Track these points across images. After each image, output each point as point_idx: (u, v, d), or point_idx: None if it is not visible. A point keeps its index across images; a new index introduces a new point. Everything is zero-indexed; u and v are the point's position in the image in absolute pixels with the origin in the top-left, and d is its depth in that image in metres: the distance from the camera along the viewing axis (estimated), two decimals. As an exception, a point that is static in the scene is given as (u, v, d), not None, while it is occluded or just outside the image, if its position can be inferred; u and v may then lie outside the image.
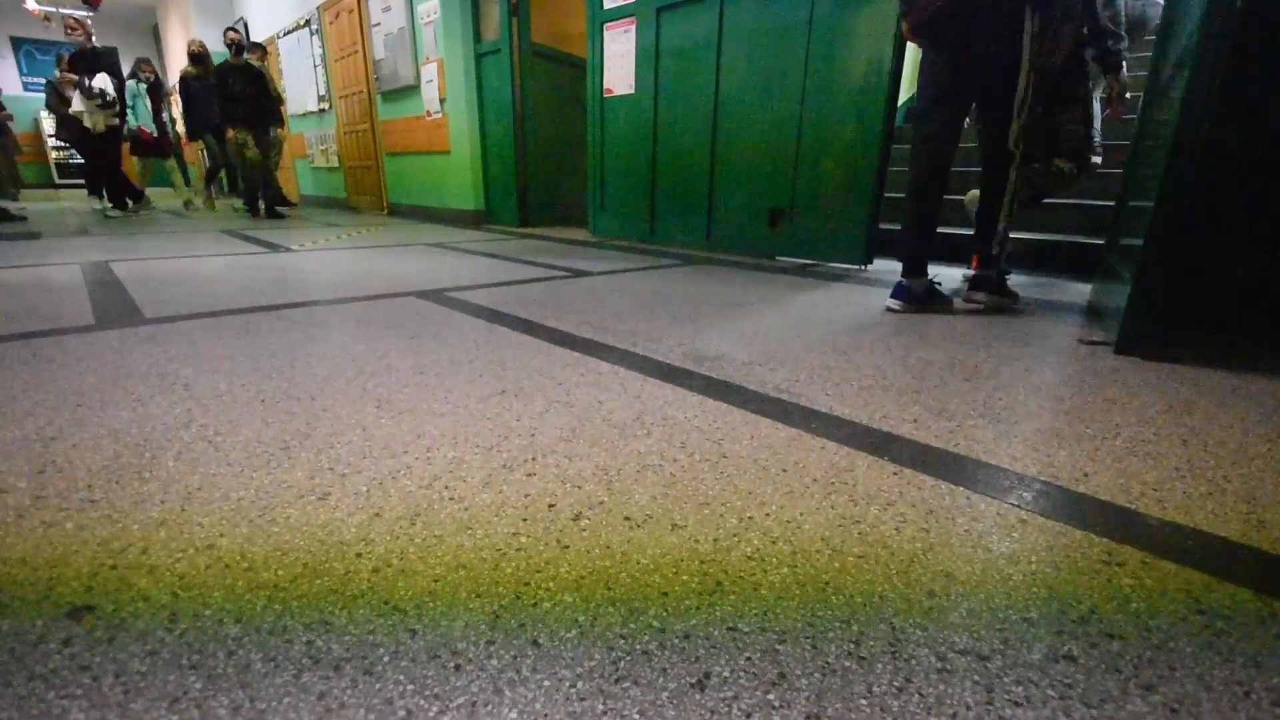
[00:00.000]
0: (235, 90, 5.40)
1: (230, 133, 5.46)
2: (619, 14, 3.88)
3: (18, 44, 12.57)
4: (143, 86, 6.28)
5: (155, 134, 6.42)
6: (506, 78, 4.85)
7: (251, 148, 5.49)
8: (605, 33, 4.01)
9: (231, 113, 5.43)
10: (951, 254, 3.22)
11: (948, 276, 2.60)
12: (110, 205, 5.66)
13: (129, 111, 6.06)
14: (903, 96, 3.53)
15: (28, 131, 12.75)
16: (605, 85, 4.11)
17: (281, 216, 5.71)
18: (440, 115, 5.41)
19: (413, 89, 5.64)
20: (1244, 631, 0.62)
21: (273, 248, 3.59)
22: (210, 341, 1.59)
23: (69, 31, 5.07)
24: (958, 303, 2.19)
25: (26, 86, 12.74)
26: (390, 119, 6.13)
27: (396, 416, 1.13)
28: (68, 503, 0.82)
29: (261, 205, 5.92)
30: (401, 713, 0.51)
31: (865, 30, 2.81)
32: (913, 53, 2.94)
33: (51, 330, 1.67)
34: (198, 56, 6.10)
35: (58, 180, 12.92)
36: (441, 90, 5.29)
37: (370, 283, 2.48)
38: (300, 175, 8.47)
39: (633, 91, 3.95)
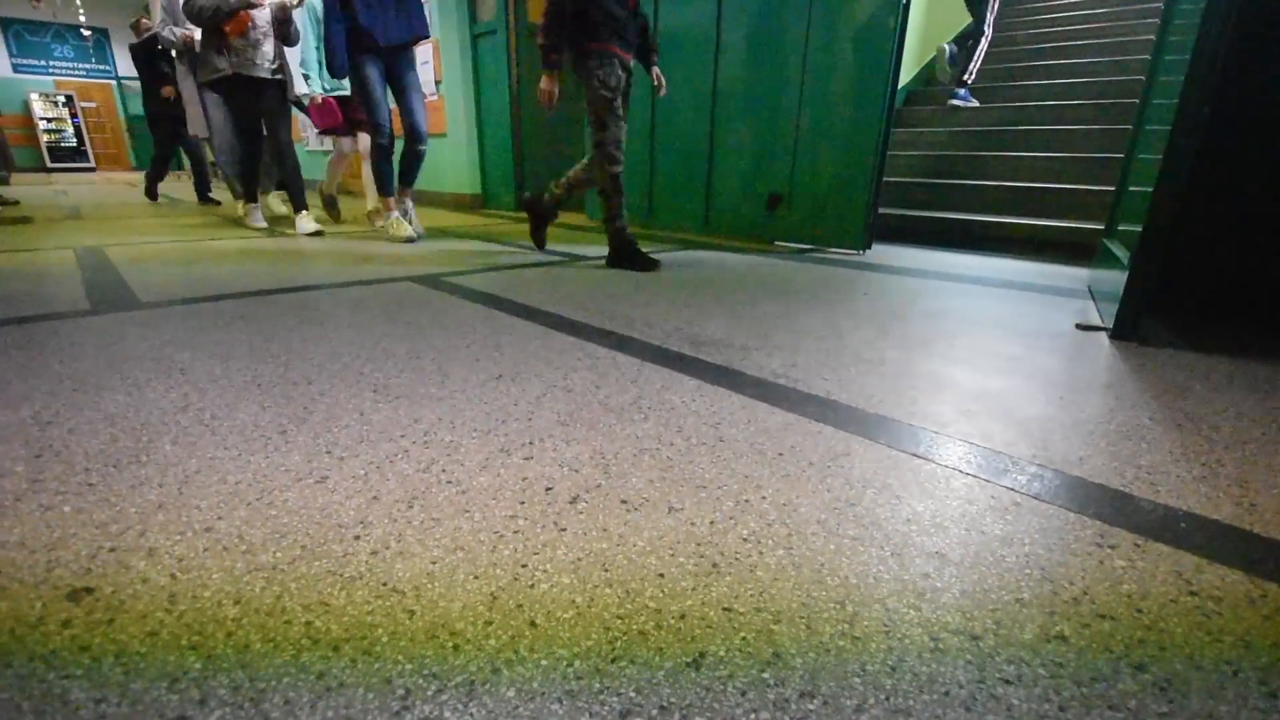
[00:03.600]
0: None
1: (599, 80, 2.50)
2: (617, -5, 3.82)
3: (7, 25, 12.37)
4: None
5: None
6: (503, 59, 4.79)
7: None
8: (603, 14, 3.95)
9: (600, 38, 2.56)
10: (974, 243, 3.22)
11: (959, 263, 2.58)
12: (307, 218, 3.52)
13: (307, 67, 3.49)
14: (904, 79, 3.50)
15: (18, 114, 12.63)
16: (603, 68, 4.06)
17: (654, 265, 2.53)
18: (436, 97, 5.35)
19: (408, 71, 5.57)
20: (1234, 613, 0.62)
21: (269, 232, 3.57)
22: (206, 326, 1.58)
23: None
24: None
25: (16, 68, 12.57)
26: (386, 102, 6.06)
27: (393, 401, 1.13)
28: (65, 486, 0.82)
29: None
30: (400, 692, 0.51)
31: (866, 13, 2.78)
32: (913, 37, 2.90)
33: (47, 315, 1.66)
34: None
35: (49, 164, 12.81)
36: (437, 72, 5.23)
37: (366, 268, 2.47)
38: (295, 159, 8.38)
39: (631, 74, 3.90)
